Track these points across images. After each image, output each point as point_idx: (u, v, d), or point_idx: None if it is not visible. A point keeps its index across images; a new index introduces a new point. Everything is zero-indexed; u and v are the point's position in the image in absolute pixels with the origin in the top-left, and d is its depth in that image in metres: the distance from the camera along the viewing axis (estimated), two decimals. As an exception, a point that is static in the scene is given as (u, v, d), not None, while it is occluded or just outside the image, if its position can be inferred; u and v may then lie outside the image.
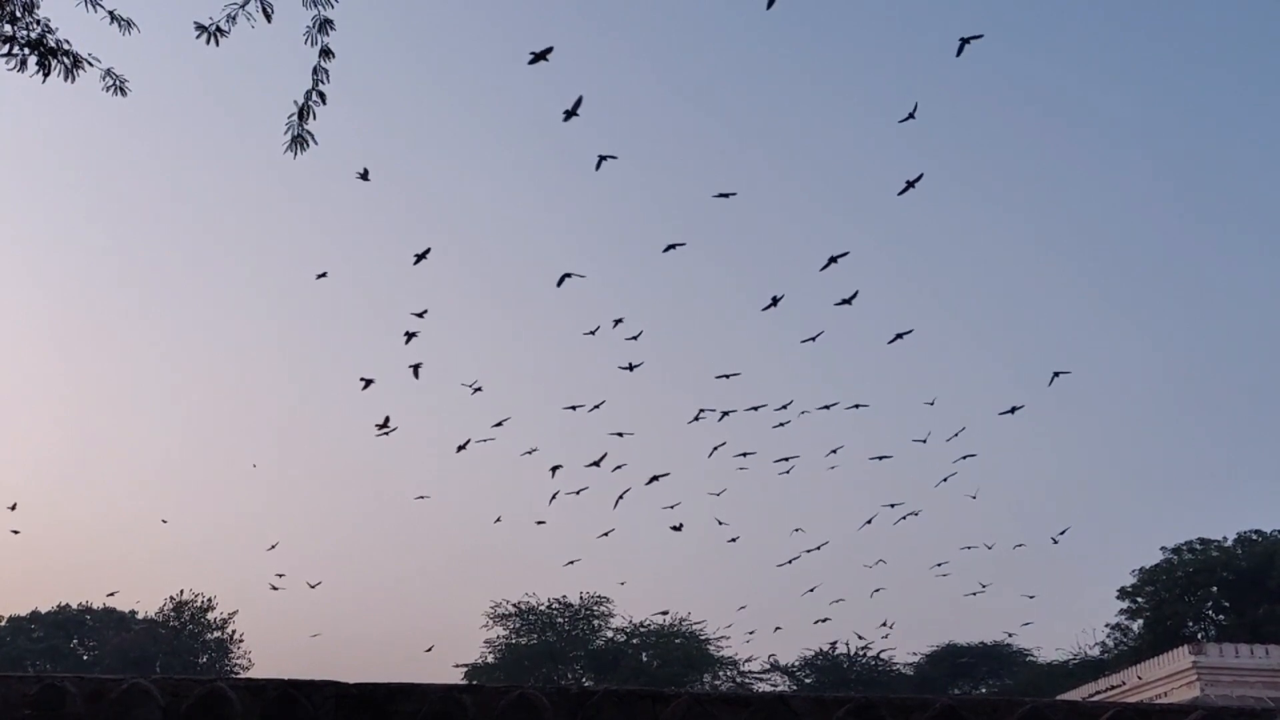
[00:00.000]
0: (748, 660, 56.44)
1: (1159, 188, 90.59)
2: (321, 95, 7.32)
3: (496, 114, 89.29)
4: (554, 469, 26.86)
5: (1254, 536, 49.79)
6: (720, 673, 56.57)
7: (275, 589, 33.48)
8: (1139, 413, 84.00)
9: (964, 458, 27.43)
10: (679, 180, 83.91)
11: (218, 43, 7.14)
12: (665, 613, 53.30)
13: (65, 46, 7.34)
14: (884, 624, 40.22)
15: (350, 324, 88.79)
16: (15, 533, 34.54)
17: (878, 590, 36.56)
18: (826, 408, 26.71)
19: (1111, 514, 77.65)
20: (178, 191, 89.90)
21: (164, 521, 39.91)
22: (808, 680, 56.23)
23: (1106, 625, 52.39)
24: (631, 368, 24.95)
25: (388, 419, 24.43)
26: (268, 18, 7.08)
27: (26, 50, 7.28)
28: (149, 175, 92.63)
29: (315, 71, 7.32)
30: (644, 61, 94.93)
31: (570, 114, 16.65)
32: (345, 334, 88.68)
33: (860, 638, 46.10)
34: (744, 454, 28.20)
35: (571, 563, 35.82)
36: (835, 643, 54.99)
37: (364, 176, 19.98)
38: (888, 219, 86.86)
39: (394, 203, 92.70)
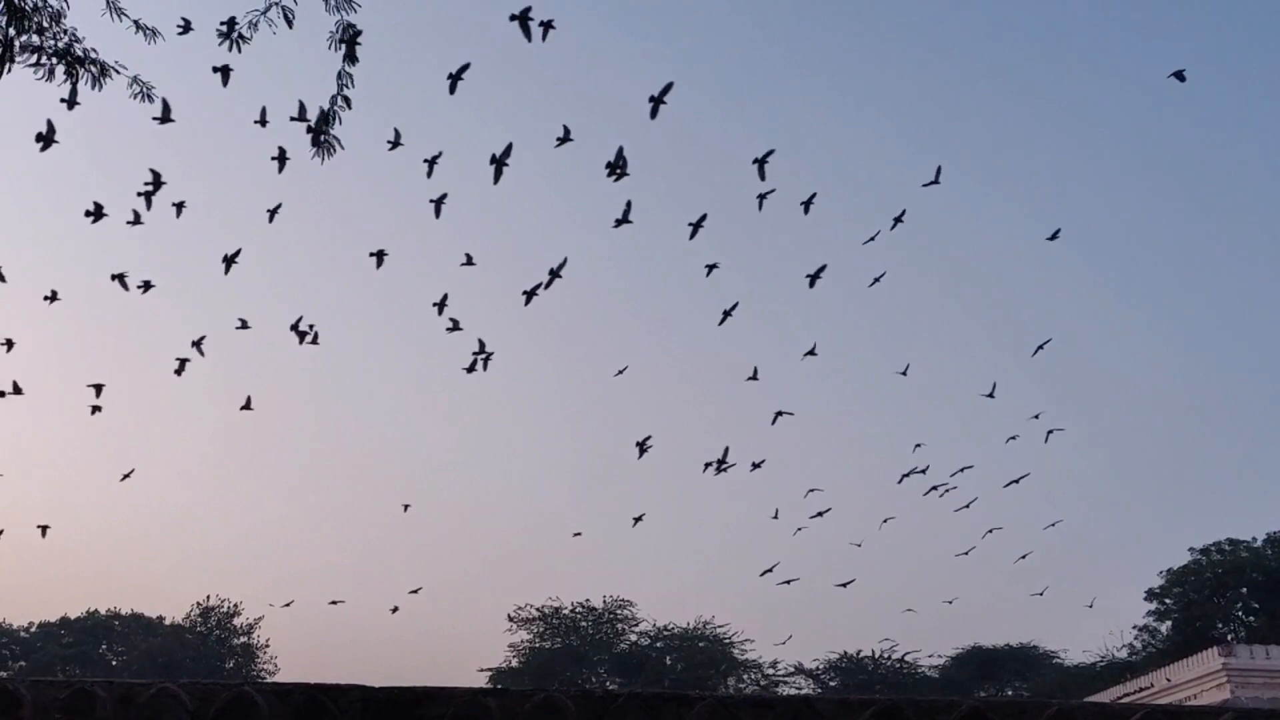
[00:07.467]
0: (773, 664, 56.39)
1: (1174, 190, 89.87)
2: (347, 100, 7.35)
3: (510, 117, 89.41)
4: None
5: (1284, 537, 49.33)
6: (745, 675, 56.51)
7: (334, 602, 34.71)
8: (1165, 413, 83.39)
9: (961, 469, 27.25)
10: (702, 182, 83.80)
11: (240, 49, 7.20)
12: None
13: (93, 55, 7.41)
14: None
15: (376, 327, 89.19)
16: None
17: (950, 599, 36.42)
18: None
19: (1138, 515, 77.09)
20: (205, 195, 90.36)
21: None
22: (832, 683, 56.05)
23: (1134, 627, 52.12)
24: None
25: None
26: (289, 24, 7.12)
27: (54, 59, 7.36)
28: (177, 179, 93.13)
29: (340, 77, 7.35)
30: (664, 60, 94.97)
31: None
32: (370, 338, 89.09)
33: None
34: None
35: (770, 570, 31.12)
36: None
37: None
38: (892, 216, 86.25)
39: (418, 205, 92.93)
